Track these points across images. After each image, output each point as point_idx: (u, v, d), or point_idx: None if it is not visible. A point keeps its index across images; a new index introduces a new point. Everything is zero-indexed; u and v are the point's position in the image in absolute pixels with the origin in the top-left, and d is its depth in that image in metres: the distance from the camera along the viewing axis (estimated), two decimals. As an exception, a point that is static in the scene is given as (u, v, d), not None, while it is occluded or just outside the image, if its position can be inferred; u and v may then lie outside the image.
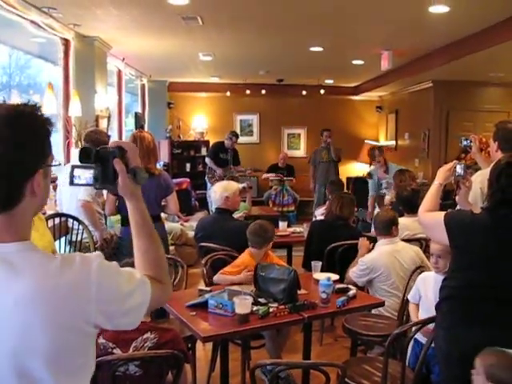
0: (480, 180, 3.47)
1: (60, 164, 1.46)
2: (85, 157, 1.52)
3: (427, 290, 3.50)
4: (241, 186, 7.06)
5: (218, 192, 5.11)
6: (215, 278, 4.14)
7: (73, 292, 1.33)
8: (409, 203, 5.13)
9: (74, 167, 1.51)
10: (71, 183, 1.52)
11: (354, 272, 4.39)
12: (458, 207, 3.24)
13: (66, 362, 1.35)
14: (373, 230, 5.02)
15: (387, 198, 6.81)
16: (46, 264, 1.34)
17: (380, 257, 4.34)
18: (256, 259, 4.16)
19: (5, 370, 1.29)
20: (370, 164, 7.75)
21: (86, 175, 1.51)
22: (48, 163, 1.40)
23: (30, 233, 1.40)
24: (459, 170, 3.05)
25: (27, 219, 1.40)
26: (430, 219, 2.85)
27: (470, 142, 4.05)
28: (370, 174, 7.72)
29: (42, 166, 1.37)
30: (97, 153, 1.52)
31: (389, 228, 4.45)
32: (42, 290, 1.30)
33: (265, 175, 11.08)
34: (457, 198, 3.23)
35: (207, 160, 9.99)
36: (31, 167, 1.34)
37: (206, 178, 10.01)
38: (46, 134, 1.39)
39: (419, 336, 3.28)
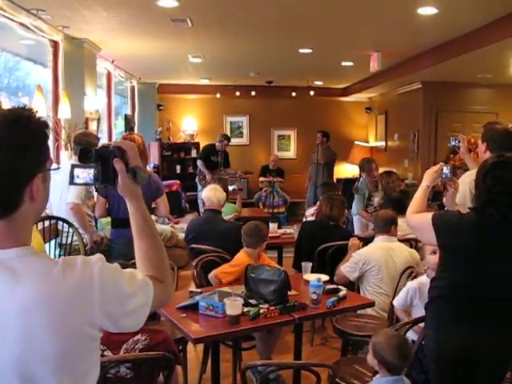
0: (469, 180, 3.48)
1: (59, 168, 1.45)
2: (85, 156, 1.51)
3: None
4: (230, 188, 7.10)
5: (216, 195, 5.25)
6: (210, 275, 4.18)
7: (76, 296, 1.33)
8: (398, 204, 5.17)
9: (73, 166, 1.51)
10: (71, 182, 1.52)
11: (346, 266, 4.41)
12: (446, 209, 3.27)
13: (72, 367, 1.35)
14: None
15: (376, 200, 6.78)
16: (47, 269, 1.33)
17: (374, 251, 4.39)
18: (252, 258, 4.21)
19: (10, 377, 1.28)
20: (360, 176, 7.46)
21: (85, 175, 1.51)
22: (46, 167, 1.38)
23: (30, 238, 1.39)
24: (446, 171, 3.08)
25: (27, 224, 1.39)
26: (417, 220, 2.87)
27: (459, 142, 4.06)
28: (357, 190, 7.29)
29: (41, 170, 1.35)
30: (97, 152, 1.51)
31: (388, 226, 4.50)
32: (44, 295, 1.29)
33: (261, 179, 11.16)
34: (444, 199, 3.25)
35: (199, 163, 9.99)
36: (29, 171, 1.32)
37: (196, 179, 10.01)
38: (43, 137, 1.38)
39: (414, 336, 3.30)
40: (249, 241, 4.32)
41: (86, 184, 1.55)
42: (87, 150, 1.51)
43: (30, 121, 1.35)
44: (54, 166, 1.43)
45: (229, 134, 11.28)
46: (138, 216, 1.60)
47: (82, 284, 1.34)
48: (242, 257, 4.27)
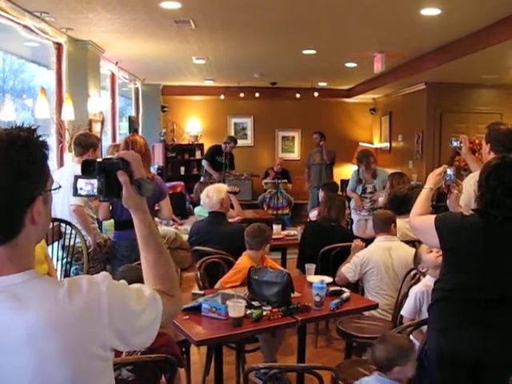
0: (473, 182, 3.45)
1: (60, 187, 1.41)
2: (88, 169, 1.48)
3: None
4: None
5: (213, 197, 5.10)
6: (216, 287, 4.14)
7: (84, 318, 1.30)
8: (400, 205, 5.16)
9: (77, 178, 1.48)
10: (75, 194, 1.49)
11: (346, 267, 4.41)
12: (449, 211, 3.25)
13: None
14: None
15: (380, 200, 6.80)
16: (53, 292, 1.30)
17: (374, 251, 4.39)
18: (254, 261, 4.17)
19: None
20: (359, 168, 7.63)
21: (89, 187, 1.48)
22: (47, 188, 1.35)
23: (33, 261, 1.36)
24: (449, 173, 3.06)
25: (30, 248, 1.35)
26: (420, 223, 2.86)
27: (460, 142, 4.02)
28: (360, 180, 7.54)
29: (41, 192, 1.32)
30: (100, 165, 1.49)
31: (387, 225, 4.49)
32: (51, 320, 1.26)
33: (264, 180, 11.16)
34: (448, 201, 3.23)
35: (204, 162, 9.96)
36: (30, 195, 1.29)
37: (201, 180, 9.97)
38: (43, 158, 1.34)
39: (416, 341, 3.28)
40: (251, 242, 4.29)
41: (89, 196, 1.52)
42: (90, 163, 1.49)
43: (29, 142, 1.31)
44: (56, 184, 1.39)
45: (233, 135, 11.27)
46: (142, 228, 1.58)
47: (89, 306, 1.32)
48: (244, 261, 4.22)
